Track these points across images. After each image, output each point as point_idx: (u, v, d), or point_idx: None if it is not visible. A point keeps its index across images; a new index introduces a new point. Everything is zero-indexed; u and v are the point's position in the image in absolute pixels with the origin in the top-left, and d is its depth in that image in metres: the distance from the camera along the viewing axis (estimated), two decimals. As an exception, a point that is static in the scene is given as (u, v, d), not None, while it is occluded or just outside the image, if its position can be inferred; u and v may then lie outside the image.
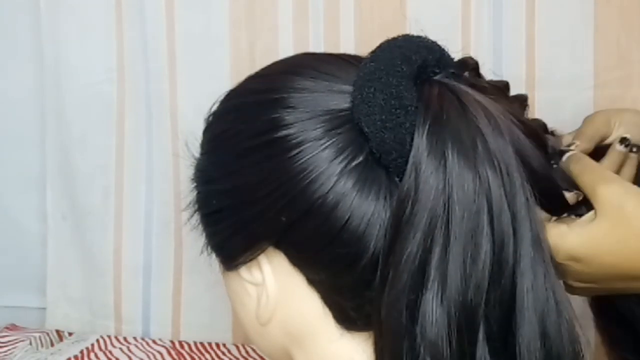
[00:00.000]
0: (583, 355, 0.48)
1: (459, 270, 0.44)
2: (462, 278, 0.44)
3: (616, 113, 0.70)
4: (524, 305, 0.46)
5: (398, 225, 0.45)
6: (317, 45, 1.06)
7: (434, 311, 0.44)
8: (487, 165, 0.45)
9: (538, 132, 0.52)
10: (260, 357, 1.05)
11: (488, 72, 0.55)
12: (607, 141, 0.68)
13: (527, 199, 0.46)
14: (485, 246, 0.45)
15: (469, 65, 0.53)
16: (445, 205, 0.45)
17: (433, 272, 0.44)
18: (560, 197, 0.53)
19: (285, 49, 1.06)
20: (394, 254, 0.45)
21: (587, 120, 0.70)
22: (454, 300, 0.44)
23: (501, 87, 0.54)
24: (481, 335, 0.45)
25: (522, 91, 0.99)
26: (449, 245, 0.44)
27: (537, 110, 0.98)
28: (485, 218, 0.45)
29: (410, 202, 0.45)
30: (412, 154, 0.46)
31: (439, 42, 0.51)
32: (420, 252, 0.45)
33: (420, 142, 0.46)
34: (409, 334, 0.45)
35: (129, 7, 1.11)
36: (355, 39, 1.05)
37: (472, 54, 0.95)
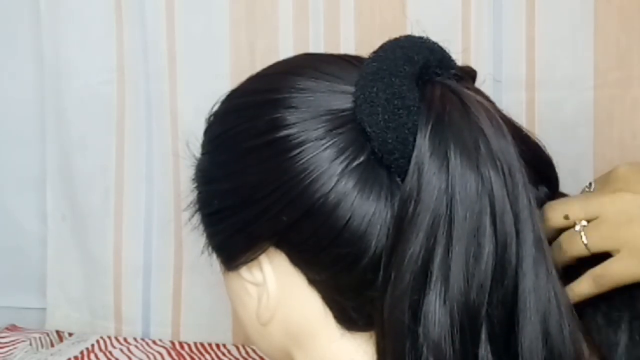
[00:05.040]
0: (584, 356, 0.48)
1: (462, 271, 0.44)
2: (465, 278, 0.44)
3: None
4: (526, 306, 0.46)
5: (401, 226, 0.46)
6: (317, 45, 1.06)
7: (436, 311, 0.44)
8: (489, 166, 0.46)
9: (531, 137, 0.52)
10: (261, 357, 1.05)
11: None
12: None
13: (529, 200, 0.47)
14: (488, 246, 0.45)
15: (469, 74, 0.53)
16: (447, 205, 0.45)
17: (435, 273, 0.45)
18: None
19: (286, 49, 1.06)
20: (396, 254, 0.45)
21: (605, 179, 0.55)
22: (456, 301, 0.44)
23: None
24: (484, 335, 0.45)
25: (522, 92, 1.00)
26: (451, 246, 0.45)
27: (537, 111, 0.98)
28: (487, 218, 0.45)
29: (412, 203, 0.45)
30: (414, 154, 0.46)
31: (440, 43, 0.51)
32: (423, 253, 0.45)
33: (423, 143, 0.46)
34: (411, 335, 0.45)
35: (128, 7, 1.11)
36: (355, 39, 1.05)
37: (472, 55, 0.96)
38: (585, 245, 0.52)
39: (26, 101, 1.21)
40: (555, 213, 0.55)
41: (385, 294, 0.46)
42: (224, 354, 1.10)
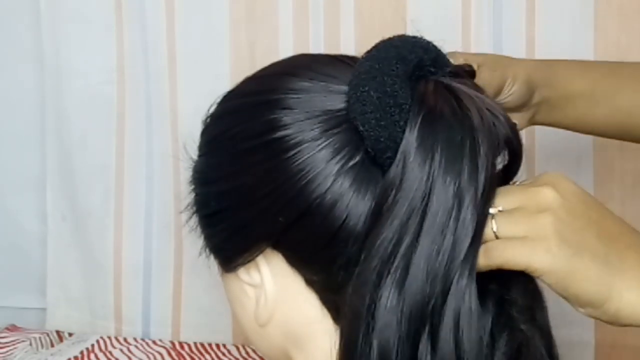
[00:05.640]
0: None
1: (424, 263, 0.44)
2: (424, 270, 0.44)
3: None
4: (447, 304, 0.45)
5: (379, 211, 0.46)
6: (317, 45, 1.06)
7: (389, 298, 0.44)
8: (471, 163, 0.46)
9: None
10: (261, 358, 1.05)
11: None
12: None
13: (486, 200, 0.46)
14: (448, 242, 0.45)
15: (467, 72, 0.53)
16: (424, 197, 0.45)
17: (398, 260, 0.45)
18: None
19: (286, 49, 1.06)
20: (369, 238, 0.46)
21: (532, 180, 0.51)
22: (412, 291, 0.44)
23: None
24: (427, 328, 0.45)
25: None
26: (419, 237, 0.45)
27: (537, 111, 0.98)
28: (455, 215, 0.45)
29: (394, 190, 0.46)
30: (402, 144, 0.46)
31: (436, 42, 0.51)
32: (395, 240, 0.45)
33: (411, 134, 0.46)
34: (365, 320, 0.45)
35: (129, 7, 1.12)
36: (355, 39, 1.06)
37: (472, 54, 0.95)
38: (495, 232, 0.47)
39: (26, 101, 1.21)
40: None
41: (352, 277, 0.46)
42: (224, 354, 1.10)
